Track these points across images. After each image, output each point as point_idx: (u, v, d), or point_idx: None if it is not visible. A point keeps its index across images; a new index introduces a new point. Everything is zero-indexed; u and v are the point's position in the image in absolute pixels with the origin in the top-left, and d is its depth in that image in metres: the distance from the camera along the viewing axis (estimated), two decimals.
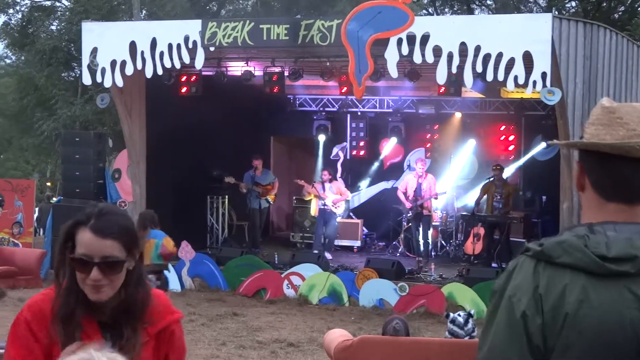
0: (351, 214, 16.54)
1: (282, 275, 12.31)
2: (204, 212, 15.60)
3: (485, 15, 23.62)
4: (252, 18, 13.97)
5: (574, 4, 25.57)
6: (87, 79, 12.58)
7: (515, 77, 10.23)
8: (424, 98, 16.22)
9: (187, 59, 11.78)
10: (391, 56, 10.60)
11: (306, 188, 15.43)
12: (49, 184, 32.87)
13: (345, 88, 13.39)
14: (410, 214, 14.28)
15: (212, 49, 11.85)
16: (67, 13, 24.88)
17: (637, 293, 1.64)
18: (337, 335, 5.92)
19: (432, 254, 14.58)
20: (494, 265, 13.28)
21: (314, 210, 15.63)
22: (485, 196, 13.92)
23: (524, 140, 16.14)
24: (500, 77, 10.36)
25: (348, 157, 17.59)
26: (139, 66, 11.88)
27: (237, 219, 16.20)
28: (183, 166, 14.18)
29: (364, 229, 16.19)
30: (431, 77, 11.19)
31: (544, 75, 10.11)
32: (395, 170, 17.04)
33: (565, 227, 2.62)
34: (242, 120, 15.88)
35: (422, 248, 14.15)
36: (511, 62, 10.24)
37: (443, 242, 15.42)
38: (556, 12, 19.72)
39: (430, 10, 27.06)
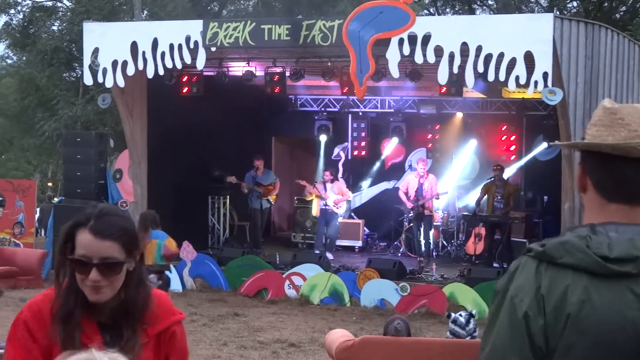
0: (352, 214, 16.55)
1: (284, 276, 12.30)
2: (205, 213, 15.61)
3: (487, 16, 23.62)
4: (253, 18, 13.96)
5: (575, 4, 25.57)
6: (88, 79, 12.58)
7: (517, 77, 10.23)
8: (426, 98, 16.22)
9: (188, 59, 11.78)
10: (392, 56, 10.60)
11: (308, 188, 15.43)
12: (50, 184, 32.92)
13: (346, 88, 13.39)
14: (412, 214, 14.27)
15: (213, 49, 11.84)
16: (69, 13, 24.92)
17: (639, 293, 1.64)
18: (339, 336, 5.92)
19: (434, 254, 14.58)
20: (495, 265, 13.28)
21: (315, 210, 15.64)
22: (485, 196, 13.93)
23: (525, 140, 16.14)
24: (502, 77, 10.36)
25: (349, 157, 17.59)
26: (140, 66, 11.88)
27: (238, 219, 16.20)
28: (184, 166, 14.18)
29: (366, 229, 16.19)
30: (432, 77, 11.19)
31: (545, 75, 10.11)
32: (396, 171, 17.03)
33: (567, 228, 2.62)
34: (243, 120, 15.89)
35: (423, 248, 14.14)
36: (512, 62, 10.24)
37: (444, 242, 15.43)
38: (557, 12, 19.68)
39: (431, 10, 27.06)
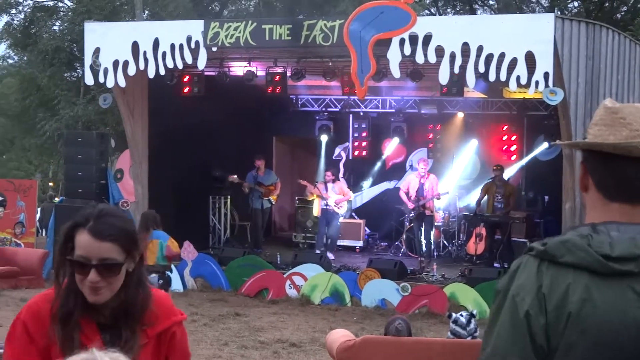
0: (353, 214, 16.55)
1: (285, 276, 12.30)
2: (206, 213, 15.61)
3: (488, 16, 23.61)
4: (254, 18, 13.97)
5: (576, 4, 25.56)
6: (89, 79, 12.59)
7: (518, 77, 10.22)
8: (427, 98, 16.21)
9: (189, 59, 11.78)
10: (393, 56, 10.59)
11: (309, 188, 15.43)
12: (51, 184, 32.93)
13: (347, 88, 13.38)
14: (413, 214, 14.27)
15: (214, 49, 11.84)
16: (70, 13, 24.91)
17: None
18: (340, 336, 5.92)
19: (435, 254, 14.58)
20: (496, 265, 13.28)
21: (316, 210, 15.64)
22: (486, 196, 13.93)
23: (527, 140, 16.14)
24: (503, 77, 10.35)
25: (350, 157, 17.58)
26: (142, 66, 11.88)
27: (239, 219, 16.20)
28: (185, 166, 14.19)
29: (366, 229, 16.19)
30: (434, 77, 11.19)
31: (546, 75, 10.11)
32: (397, 171, 17.03)
33: (568, 227, 2.62)
34: (244, 120, 15.88)
35: (424, 248, 14.14)
36: (513, 62, 10.24)
37: (445, 242, 15.42)
38: (558, 12, 19.69)
39: (432, 10, 27.05)
